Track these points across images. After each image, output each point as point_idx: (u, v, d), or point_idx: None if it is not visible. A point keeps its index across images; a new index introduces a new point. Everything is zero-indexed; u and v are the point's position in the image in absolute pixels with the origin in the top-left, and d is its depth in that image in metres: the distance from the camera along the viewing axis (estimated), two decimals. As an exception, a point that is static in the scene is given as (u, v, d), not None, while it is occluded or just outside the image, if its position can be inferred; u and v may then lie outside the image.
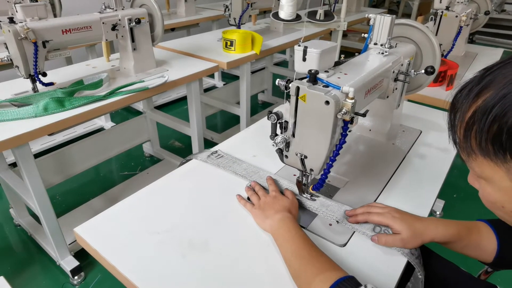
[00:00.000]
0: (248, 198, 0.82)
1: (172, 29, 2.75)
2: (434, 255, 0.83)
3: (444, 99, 1.46)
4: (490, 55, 2.03)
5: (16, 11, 1.20)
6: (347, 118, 0.63)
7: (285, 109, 0.71)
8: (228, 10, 2.05)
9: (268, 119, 0.71)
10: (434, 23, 1.70)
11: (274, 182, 0.85)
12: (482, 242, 0.70)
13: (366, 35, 0.95)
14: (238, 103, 2.17)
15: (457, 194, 2.06)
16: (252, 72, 3.07)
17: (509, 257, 0.70)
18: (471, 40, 4.38)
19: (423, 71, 0.89)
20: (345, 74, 0.73)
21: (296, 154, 0.72)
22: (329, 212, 0.77)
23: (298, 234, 0.68)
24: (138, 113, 2.74)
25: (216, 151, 1.00)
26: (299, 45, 0.70)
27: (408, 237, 0.67)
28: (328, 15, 1.75)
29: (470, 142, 0.44)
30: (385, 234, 0.70)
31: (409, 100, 1.43)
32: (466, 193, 2.07)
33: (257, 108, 3.16)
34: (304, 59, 0.70)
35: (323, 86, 0.65)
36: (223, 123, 2.89)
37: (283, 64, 4.07)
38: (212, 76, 3.51)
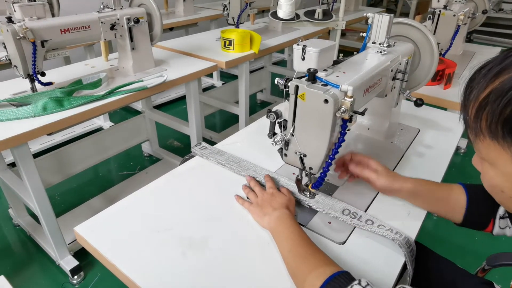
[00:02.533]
0: (248, 197, 0.83)
1: (171, 29, 2.75)
2: (432, 252, 0.83)
3: (442, 98, 1.46)
4: (488, 54, 2.04)
5: (14, 11, 1.19)
6: (346, 116, 0.63)
7: (284, 107, 0.71)
8: (227, 9, 2.06)
9: (267, 117, 0.71)
10: (432, 22, 1.70)
11: (272, 179, 0.85)
12: (450, 200, 0.73)
13: (364, 34, 0.95)
14: (237, 102, 2.17)
15: (455, 192, 2.06)
16: (251, 72, 3.07)
17: (476, 216, 0.72)
18: (468, 39, 4.39)
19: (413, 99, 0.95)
20: (344, 73, 0.73)
21: (296, 153, 0.72)
22: (329, 210, 0.77)
23: (296, 232, 0.68)
24: (137, 112, 2.74)
25: (200, 143, 1.03)
26: (298, 44, 0.70)
27: (382, 174, 0.77)
28: (327, 14, 1.75)
29: (480, 123, 0.44)
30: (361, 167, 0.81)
31: (406, 99, 1.43)
32: (464, 191, 2.07)
33: (256, 107, 3.16)
34: (303, 58, 0.70)
35: (322, 85, 0.65)
36: (222, 123, 2.90)
37: (282, 63, 4.07)
38: (210, 75, 3.51)
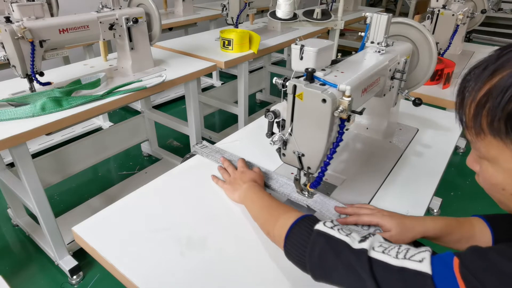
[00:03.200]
0: None
1: (170, 29, 2.75)
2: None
3: (440, 97, 1.46)
4: (487, 54, 2.04)
5: (13, 11, 1.19)
6: (344, 116, 0.63)
7: (282, 107, 0.71)
8: (226, 9, 2.06)
9: (265, 117, 0.71)
10: (431, 22, 1.71)
11: (243, 161, 0.91)
12: (475, 236, 0.70)
13: (363, 33, 0.95)
14: (236, 102, 2.17)
15: (454, 192, 2.07)
16: (250, 72, 3.07)
17: None
18: (468, 39, 4.40)
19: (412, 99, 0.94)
20: (342, 72, 0.73)
21: (294, 152, 0.72)
22: (326, 212, 0.77)
23: (264, 195, 0.75)
24: (136, 112, 2.74)
25: (201, 142, 1.04)
26: (296, 44, 0.70)
27: (397, 233, 0.68)
28: (325, 14, 1.75)
29: (480, 121, 0.43)
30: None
31: (405, 99, 1.44)
32: (463, 191, 2.08)
33: (255, 107, 3.16)
34: (301, 58, 0.70)
35: (320, 84, 0.65)
36: (221, 123, 2.90)
37: (281, 63, 4.07)
38: (210, 75, 3.51)
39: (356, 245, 0.50)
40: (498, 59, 0.42)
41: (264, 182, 0.86)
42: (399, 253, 0.47)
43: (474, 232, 0.69)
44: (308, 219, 0.60)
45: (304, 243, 0.56)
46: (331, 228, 0.55)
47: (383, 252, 0.48)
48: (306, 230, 0.57)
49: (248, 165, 0.92)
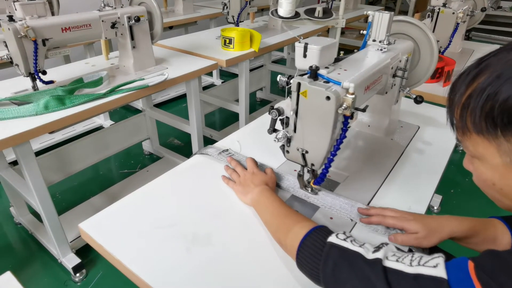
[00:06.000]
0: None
1: (170, 27, 2.75)
2: (436, 248, 0.83)
3: (441, 95, 1.47)
4: (487, 52, 2.04)
5: (15, 9, 1.20)
6: (348, 113, 0.64)
7: (286, 105, 0.72)
8: (227, 8, 2.06)
9: (269, 114, 0.72)
10: (431, 20, 1.71)
11: (253, 160, 0.90)
12: (498, 238, 0.69)
13: (364, 32, 0.96)
14: (237, 100, 2.17)
15: (454, 189, 2.08)
16: (250, 70, 3.07)
17: None
18: (467, 37, 4.40)
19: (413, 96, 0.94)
20: (345, 70, 0.74)
21: (298, 149, 0.73)
22: (342, 210, 0.78)
23: (277, 200, 0.75)
24: (137, 111, 2.74)
25: (227, 150, 1.00)
26: (300, 42, 0.71)
27: (423, 235, 0.68)
28: (327, 12, 1.76)
29: (466, 121, 0.48)
30: (401, 234, 0.70)
31: (406, 96, 1.44)
32: (463, 188, 2.09)
33: (255, 105, 3.17)
34: (304, 56, 0.71)
35: (323, 82, 0.66)
36: (222, 121, 2.90)
37: (281, 61, 4.08)
38: (210, 74, 3.51)
39: (370, 255, 0.51)
40: (478, 65, 0.48)
41: (276, 183, 0.85)
42: (413, 261, 0.47)
43: (496, 234, 0.69)
44: (320, 231, 0.60)
45: (317, 255, 0.56)
46: (344, 240, 0.55)
47: (397, 260, 0.48)
48: (319, 243, 0.57)
49: (259, 165, 0.90)
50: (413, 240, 0.68)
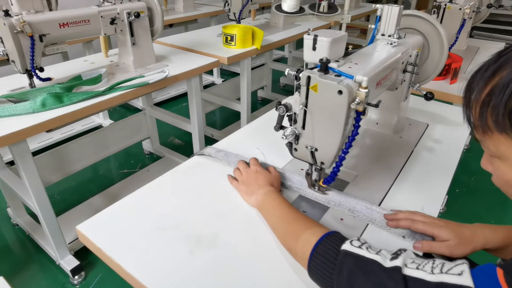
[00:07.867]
0: None
1: (170, 25, 2.72)
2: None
3: (448, 92, 1.44)
4: (492, 49, 2.02)
5: (11, 4, 1.16)
6: (360, 108, 0.61)
7: (294, 100, 0.69)
8: (228, 5, 2.03)
9: (276, 110, 0.68)
10: (437, 16, 1.68)
11: (256, 159, 0.87)
12: None
13: (373, 26, 0.93)
14: (238, 99, 2.14)
15: (459, 189, 2.05)
16: (252, 69, 3.04)
17: None
18: (469, 36, 4.37)
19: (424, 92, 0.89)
20: (356, 64, 0.71)
21: (306, 147, 0.69)
22: (360, 215, 0.74)
23: (283, 202, 0.71)
24: (137, 110, 2.71)
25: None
26: (309, 34, 0.67)
27: (455, 244, 0.63)
28: (332, 8, 1.73)
29: (486, 119, 0.45)
30: (429, 241, 0.66)
31: (413, 93, 1.41)
32: (468, 188, 2.05)
33: (257, 105, 3.13)
34: (314, 48, 0.67)
35: (335, 76, 0.62)
36: (223, 120, 2.87)
37: (282, 60, 4.04)
38: (211, 73, 3.48)
39: (387, 263, 0.47)
40: (497, 60, 0.45)
41: (280, 183, 0.82)
42: (435, 268, 0.44)
43: None
44: (333, 237, 0.56)
45: (330, 264, 0.52)
46: (359, 247, 0.52)
47: (417, 268, 0.45)
48: (332, 250, 0.54)
49: (262, 164, 0.87)
50: (444, 248, 0.63)
